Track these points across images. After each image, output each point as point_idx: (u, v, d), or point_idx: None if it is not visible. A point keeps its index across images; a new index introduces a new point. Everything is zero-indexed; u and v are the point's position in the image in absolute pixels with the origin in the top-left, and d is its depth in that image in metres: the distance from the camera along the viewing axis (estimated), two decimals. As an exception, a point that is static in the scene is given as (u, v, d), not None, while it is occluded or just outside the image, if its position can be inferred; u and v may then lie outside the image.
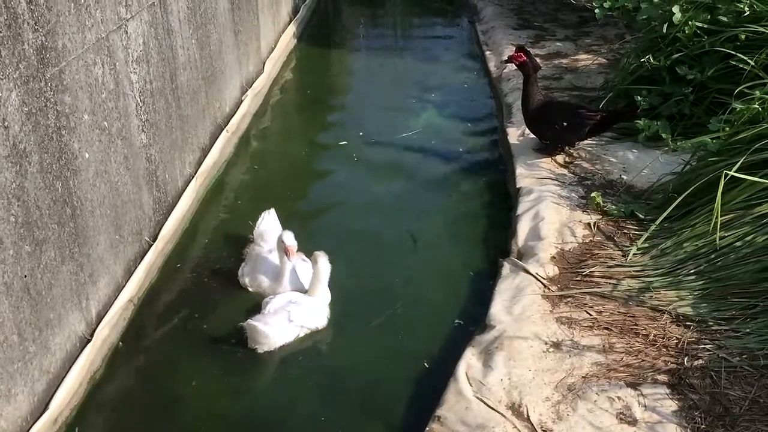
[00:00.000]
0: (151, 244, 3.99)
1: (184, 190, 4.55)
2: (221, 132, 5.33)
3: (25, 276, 2.81)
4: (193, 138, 4.79)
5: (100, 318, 3.43)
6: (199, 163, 4.87)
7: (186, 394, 3.22)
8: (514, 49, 4.90)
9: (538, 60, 4.95)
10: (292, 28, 7.90)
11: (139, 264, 3.84)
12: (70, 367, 3.14)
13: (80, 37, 3.23)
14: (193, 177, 4.70)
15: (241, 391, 3.23)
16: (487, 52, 7.30)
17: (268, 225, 4.08)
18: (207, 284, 3.93)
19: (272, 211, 4.17)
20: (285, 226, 3.98)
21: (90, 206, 3.34)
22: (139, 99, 3.90)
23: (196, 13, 4.86)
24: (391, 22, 9.67)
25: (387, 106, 6.34)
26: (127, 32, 3.74)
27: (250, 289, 3.83)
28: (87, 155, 3.30)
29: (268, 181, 5.13)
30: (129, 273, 3.76)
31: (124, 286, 3.67)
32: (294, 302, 3.53)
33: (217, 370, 3.33)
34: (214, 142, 5.18)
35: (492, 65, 6.90)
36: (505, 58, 5.04)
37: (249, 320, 3.39)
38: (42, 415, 2.90)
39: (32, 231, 2.86)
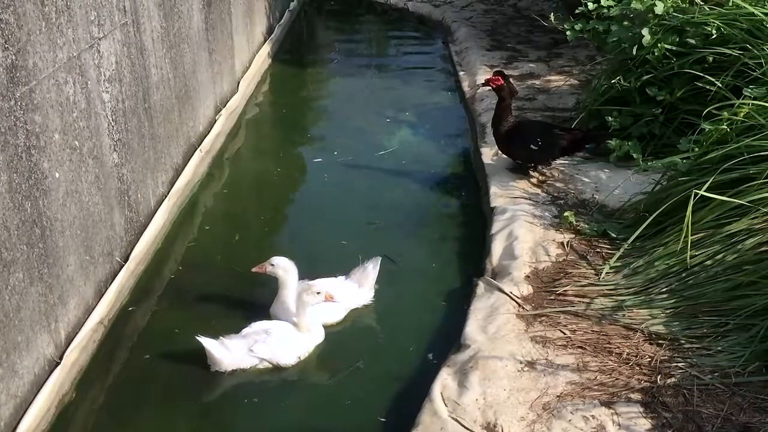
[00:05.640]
0: (123, 265, 3.94)
1: (156, 210, 4.50)
2: (195, 151, 5.30)
3: (-7, 298, 2.76)
4: (166, 157, 4.76)
5: (69, 340, 3.37)
6: (172, 183, 4.83)
7: (153, 417, 3.17)
8: (491, 71, 4.94)
9: (511, 81, 4.99)
10: (266, 48, 7.91)
11: (110, 285, 3.79)
12: (38, 391, 3.08)
13: (51, 55, 3.20)
14: (166, 197, 4.66)
15: (204, 415, 3.19)
16: (461, 73, 7.36)
17: (361, 271, 3.86)
18: (179, 305, 3.88)
19: (379, 260, 3.89)
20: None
21: (60, 226, 3.29)
22: (111, 118, 3.86)
23: (170, 33, 4.85)
24: (366, 42, 9.71)
25: (361, 125, 6.35)
26: (99, 51, 3.71)
27: None
28: (57, 175, 3.26)
29: (241, 201, 5.10)
30: (100, 294, 3.70)
31: (94, 308, 3.61)
32: (268, 333, 3.44)
33: (183, 393, 3.28)
34: (188, 162, 5.14)
35: (466, 85, 6.95)
36: (482, 81, 5.09)
37: (202, 336, 3.34)
38: (8, 441, 2.84)
39: (0, 252, 2.80)
